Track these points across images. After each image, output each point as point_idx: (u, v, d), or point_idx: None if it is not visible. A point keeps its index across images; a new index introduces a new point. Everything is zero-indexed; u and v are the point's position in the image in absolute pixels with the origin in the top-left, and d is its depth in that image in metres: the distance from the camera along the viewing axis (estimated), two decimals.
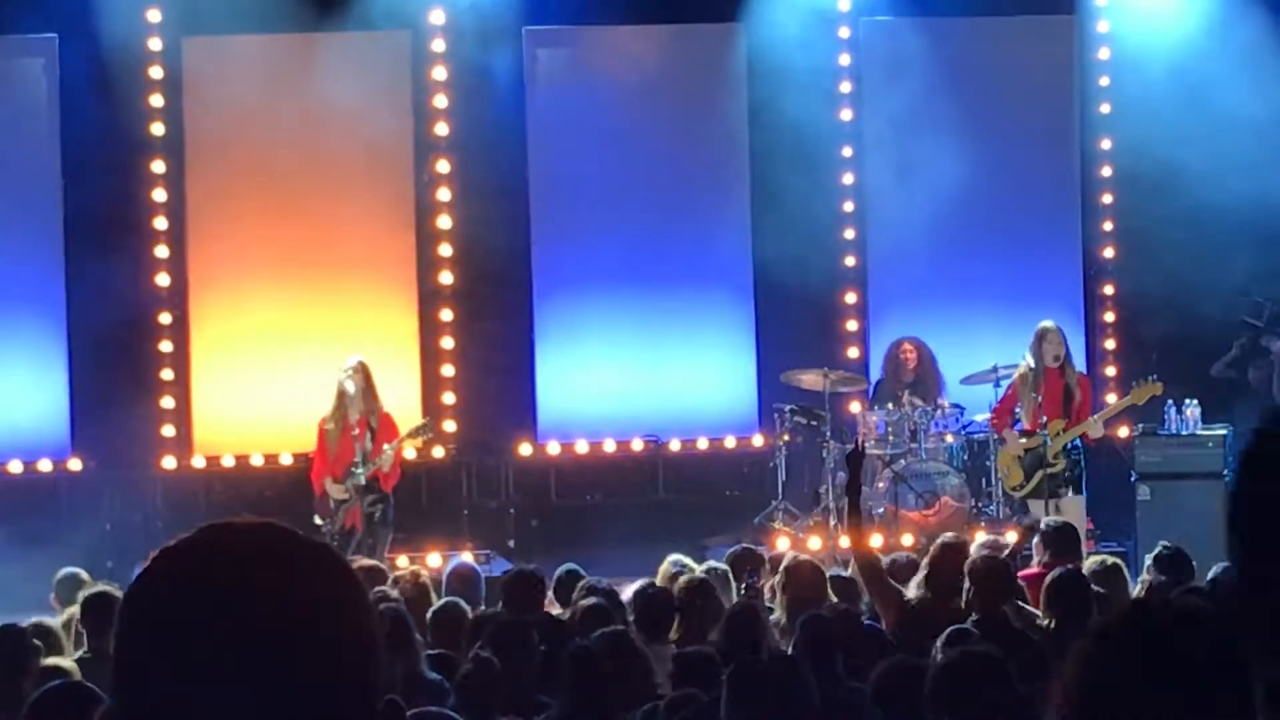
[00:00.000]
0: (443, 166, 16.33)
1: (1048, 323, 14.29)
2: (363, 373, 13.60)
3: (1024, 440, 14.14)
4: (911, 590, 9.59)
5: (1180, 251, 15.83)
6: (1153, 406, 14.99)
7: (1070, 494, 13.80)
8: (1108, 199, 16.96)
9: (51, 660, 8.37)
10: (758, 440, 16.49)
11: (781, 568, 10.01)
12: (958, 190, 16.54)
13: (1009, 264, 16.77)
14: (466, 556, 13.90)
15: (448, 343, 16.37)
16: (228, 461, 16.11)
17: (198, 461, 16.11)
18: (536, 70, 16.61)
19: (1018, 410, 14.42)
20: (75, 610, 10.02)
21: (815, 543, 14.60)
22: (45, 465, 15.83)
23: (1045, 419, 13.97)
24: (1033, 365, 14.12)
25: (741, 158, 16.62)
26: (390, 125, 16.31)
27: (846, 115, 16.78)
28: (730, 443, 16.66)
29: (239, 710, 2.03)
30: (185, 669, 2.04)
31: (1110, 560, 10.28)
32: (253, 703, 2.04)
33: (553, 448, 16.49)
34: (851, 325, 16.82)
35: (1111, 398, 15.80)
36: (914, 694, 6.41)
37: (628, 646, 7.81)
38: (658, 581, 10.04)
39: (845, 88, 16.79)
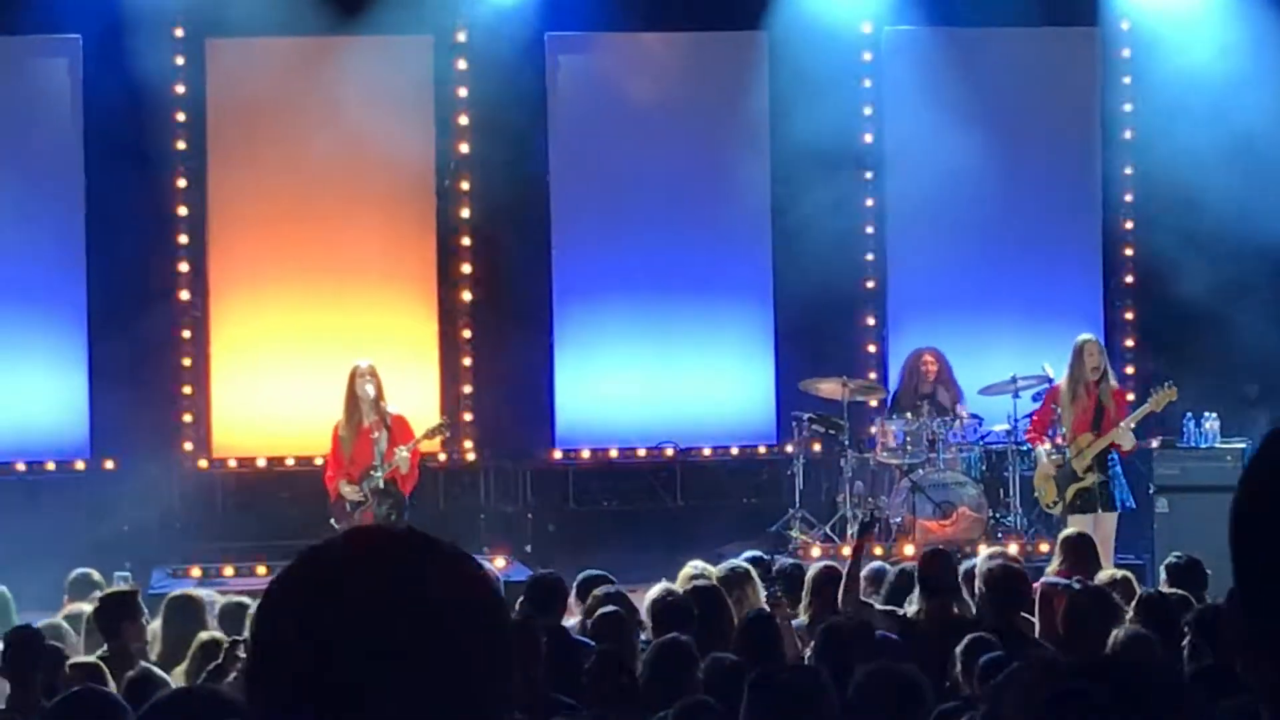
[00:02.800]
0: (464, 166, 16.33)
1: (1087, 335, 14.10)
2: (376, 375, 13.55)
3: (1054, 456, 13.99)
4: (913, 605, 9.61)
5: (1203, 271, 15.84)
6: (1173, 419, 14.98)
7: (1101, 510, 13.68)
8: (1129, 197, 16.90)
9: (79, 658, 8.39)
10: (775, 448, 16.47)
11: (808, 576, 10.01)
12: (978, 200, 16.56)
13: (1029, 276, 16.76)
14: (492, 562, 13.96)
15: (466, 332, 16.36)
16: (246, 464, 16.12)
17: (217, 463, 16.12)
18: (558, 76, 16.62)
19: (1055, 424, 14.24)
20: (82, 607, 10.05)
21: (847, 550, 14.56)
22: (64, 465, 15.84)
23: (1073, 433, 13.83)
24: (1069, 378, 13.86)
25: (763, 164, 16.62)
26: (412, 130, 16.32)
27: (868, 125, 16.77)
28: (748, 450, 16.64)
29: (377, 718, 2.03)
30: (325, 675, 2.03)
31: (1121, 574, 10.27)
32: (391, 711, 2.03)
33: (571, 453, 16.49)
34: (870, 320, 16.82)
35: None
36: (894, 700, 6.45)
37: (685, 654, 7.79)
38: (676, 586, 10.03)
39: (867, 96, 16.78)
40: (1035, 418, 14.42)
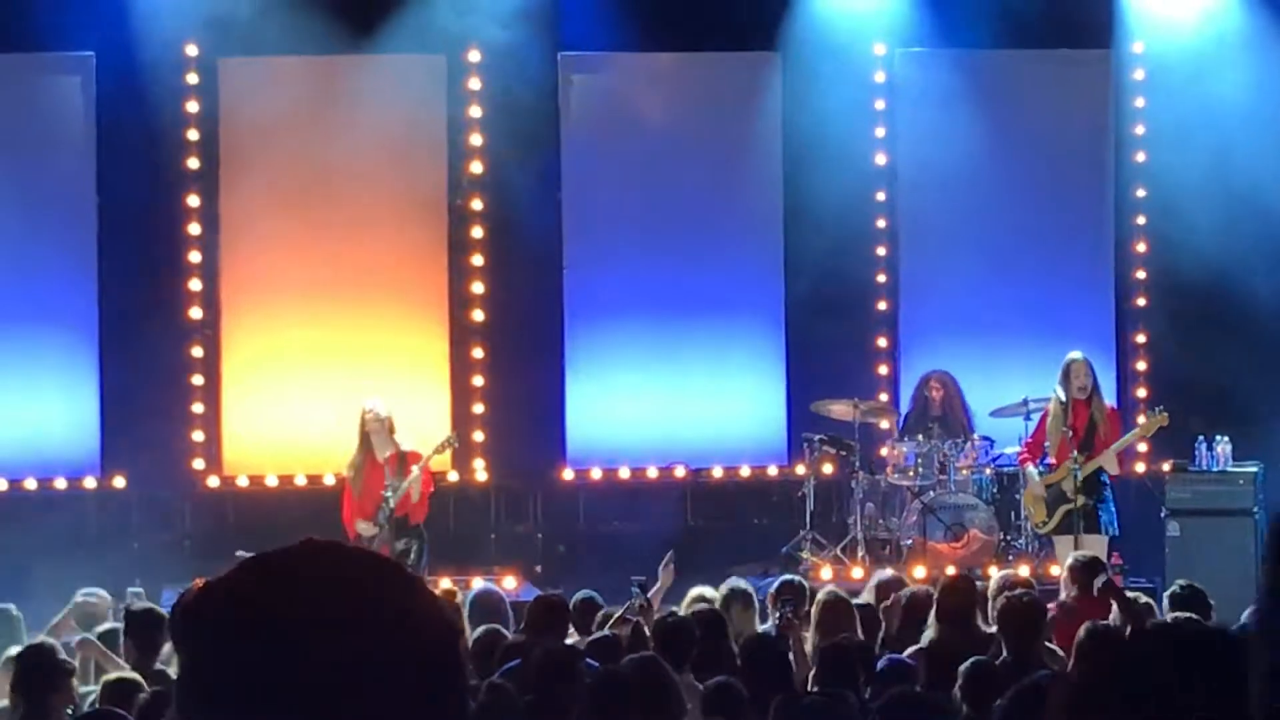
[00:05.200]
0: (476, 185, 16.33)
1: (1074, 354, 14.12)
2: (381, 417, 13.79)
3: (1041, 476, 14.08)
4: (928, 632, 9.56)
5: (1215, 293, 15.82)
6: (1185, 443, 14.95)
7: (1084, 533, 13.68)
8: (1140, 220, 16.85)
9: (114, 675, 8.39)
10: (787, 469, 16.44)
11: (816, 601, 9.96)
12: (991, 221, 16.56)
13: (1042, 298, 16.71)
14: (500, 583, 13.95)
15: (478, 352, 16.35)
16: (257, 482, 16.11)
17: (227, 481, 16.11)
18: (571, 96, 16.61)
19: (1046, 445, 14.29)
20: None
21: (858, 572, 14.49)
22: (75, 482, 15.82)
23: (1059, 454, 13.88)
24: (1063, 399, 13.97)
25: (775, 185, 16.60)
26: (424, 149, 16.35)
27: (881, 146, 16.75)
28: (759, 471, 16.61)
29: None
30: (260, 697, 1.98)
31: (1140, 599, 10.25)
32: None
33: (582, 474, 16.47)
34: (882, 342, 16.79)
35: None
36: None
37: (658, 673, 7.79)
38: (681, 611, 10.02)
39: (879, 118, 16.77)
40: (1029, 440, 14.46)
